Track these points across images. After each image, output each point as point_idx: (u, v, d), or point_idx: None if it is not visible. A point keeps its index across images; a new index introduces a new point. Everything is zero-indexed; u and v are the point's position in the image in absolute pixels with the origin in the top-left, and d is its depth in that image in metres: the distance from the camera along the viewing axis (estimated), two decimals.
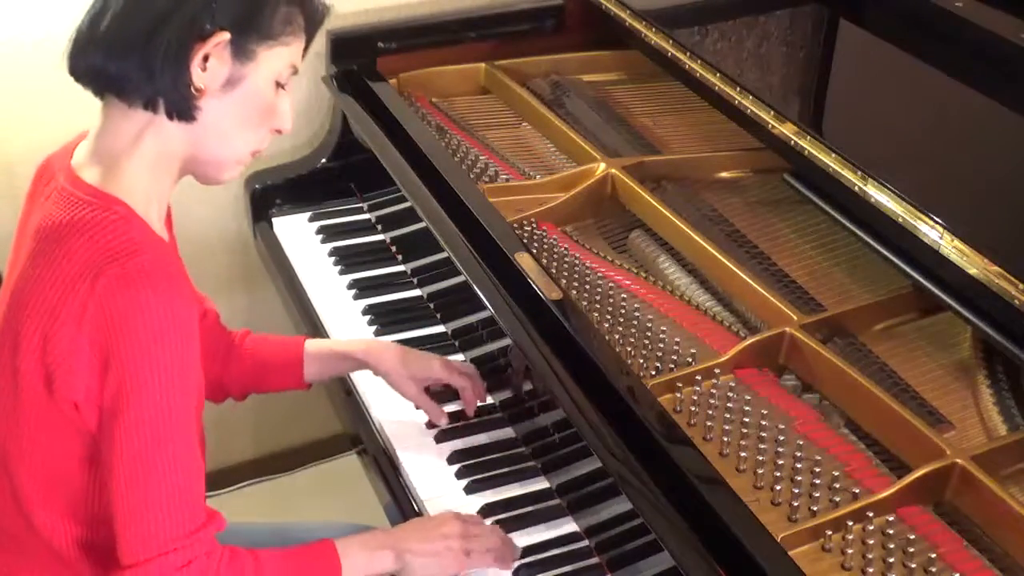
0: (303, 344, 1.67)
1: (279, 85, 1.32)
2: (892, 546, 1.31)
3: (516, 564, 1.48)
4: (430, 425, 1.69)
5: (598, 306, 1.66)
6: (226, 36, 1.23)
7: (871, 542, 1.31)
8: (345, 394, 1.80)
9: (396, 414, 1.71)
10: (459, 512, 1.51)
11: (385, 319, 1.90)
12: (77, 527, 1.34)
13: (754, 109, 1.73)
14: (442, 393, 1.71)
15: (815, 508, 1.35)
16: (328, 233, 2.10)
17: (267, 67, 1.28)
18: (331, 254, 2.06)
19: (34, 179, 1.39)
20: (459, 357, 1.82)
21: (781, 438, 1.43)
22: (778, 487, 1.37)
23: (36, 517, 1.33)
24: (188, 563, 1.26)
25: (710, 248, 1.70)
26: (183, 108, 1.26)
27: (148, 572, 1.24)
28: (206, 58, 1.24)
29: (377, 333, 1.87)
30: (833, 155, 1.59)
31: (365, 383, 1.78)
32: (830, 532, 1.31)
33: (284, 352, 1.67)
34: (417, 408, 1.69)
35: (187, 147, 1.31)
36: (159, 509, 1.24)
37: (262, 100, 1.30)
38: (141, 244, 1.24)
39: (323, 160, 2.21)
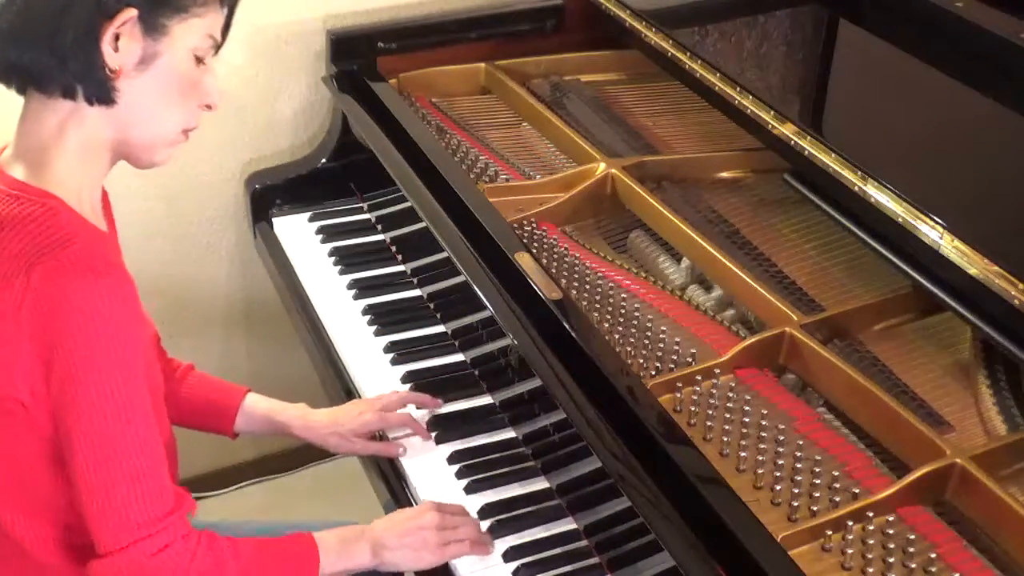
0: (243, 395, 1.67)
1: (199, 59, 1.29)
2: (892, 546, 1.31)
3: (516, 564, 1.48)
4: (430, 425, 1.69)
5: (598, 306, 1.66)
6: (133, 13, 1.21)
7: (871, 542, 1.31)
8: (345, 395, 1.80)
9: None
10: (439, 502, 1.52)
11: (385, 319, 1.90)
12: (51, 528, 1.33)
13: (754, 109, 1.73)
14: (439, 390, 1.72)
15: (815, 508, 1.35)
16: (328, 233, 2.10)
17: (182, 41, 1.26)
18: (331, 254, 2.06)
19: None
20: (459, 357, 1.82)
21: (781, 438, 1.43)
22: (778, 487, 1.37)
23: (8, 521, 1.32)
24: (164, 547, 1.26)
25: (710, 248, 1.70)
26: (101, 92, 1.24)
27: (125, 559, 1.25)
28: (117, 37, 1.21)
29: (377, 333, 1.87)
30: (833, 155, 1.59)
31: (365, 383, 1.78)
32: (830, 532, 1.31)
33: (222, 398, 1.67)
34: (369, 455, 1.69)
35: (113, 132, 1.29)
36: (126, 494, 1.24)
37: (182, 76, 1.28)
38: (73, 234, 1.22)
39: (323, 160, 2.21)
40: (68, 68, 1.22)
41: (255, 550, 1.36)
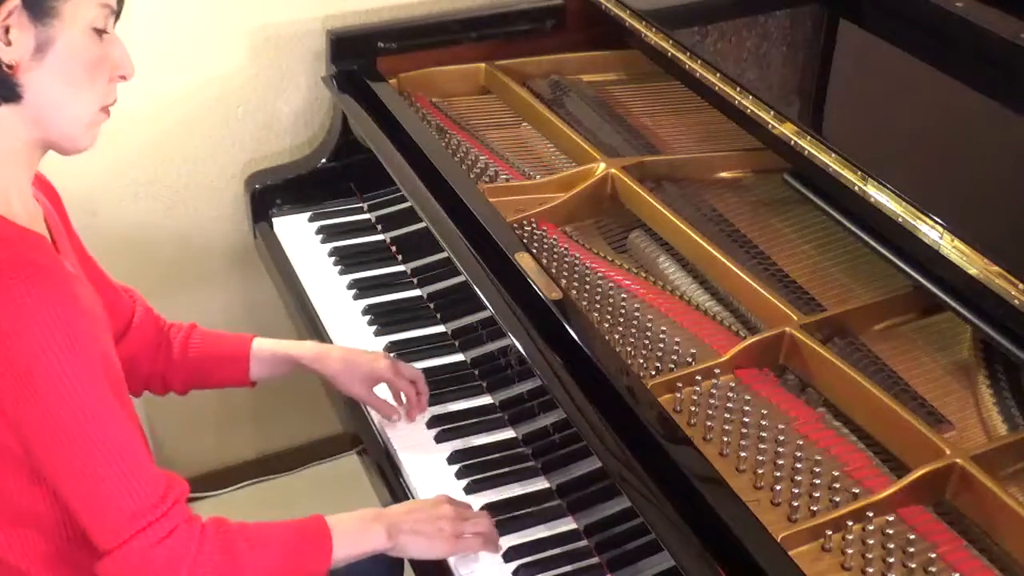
0: (251, 342, 1.66)
1: (99, 32, 1.24)
2: (892, 546, 1.31)
3: (516, 564, 1.48)
4: (430, 425, 1.69)
5: (598, 306, 1.66)
6: (16, 2, 1.17)
7: (871, 542, 1.31)
8: (346, 395, 1.80)
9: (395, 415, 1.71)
10: (451, 496, 1.52)
11: (385, 319, 1.90)
12: (44, 544, 1.32)
13: (754, 109, 1.73)
14: (439, 390, 1.72)
15: (815, 508, 1.35)
16: (328, 233, 2.10)
17: (76, 18, 1.21)
18: (331, 254, 2.06)
19: None
20: (459, 357, 1.82)
21: (781, 438, 1.43)
22: (778, 487, 1.37)
23: (1, 544, 1.31)
24: (169, 533, 1.25)
25: (710, 248, 1.70)
26: (3, 90, 1.21)
27: (130, 552, 1.23)
28: (6, 31, 1.18)
29: (377, 333, 1.87)
30: (833, 155, 1.59)
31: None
32: (830, 532, 1.31)
33: (231, 348, 1.66)
34: (367, 406, 1.70)
35: (28, 128, 1.25)
36: (113, 489, 1.22)
37: (85, 55, 1.23)
38: None
39: (323, 160, 2.21)
40: None
41: (265, 533, 1.34)
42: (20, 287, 1.17)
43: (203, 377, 1.66)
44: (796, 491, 1.36)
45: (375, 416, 1.72)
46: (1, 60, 1.19)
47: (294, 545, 1.36)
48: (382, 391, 1.71)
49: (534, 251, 1.69)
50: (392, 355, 1.75)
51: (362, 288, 1.97)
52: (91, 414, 1.21)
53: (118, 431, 1.24)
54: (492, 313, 1.63)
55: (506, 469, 1.62)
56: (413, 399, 1.69)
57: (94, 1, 1.23)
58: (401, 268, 2.02)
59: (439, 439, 1.68)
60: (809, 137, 1.63)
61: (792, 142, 1.65)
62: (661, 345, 1.58)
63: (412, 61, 2.17)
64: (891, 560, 1.30)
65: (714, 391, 1.50)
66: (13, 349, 1.17)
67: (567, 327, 1.52)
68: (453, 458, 1.64)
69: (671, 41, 1.92)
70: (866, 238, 1.59)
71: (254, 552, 1.31)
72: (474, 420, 1.70)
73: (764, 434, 1.44)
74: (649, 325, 1.62)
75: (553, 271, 1.71)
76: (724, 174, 1.94)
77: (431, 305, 1.93)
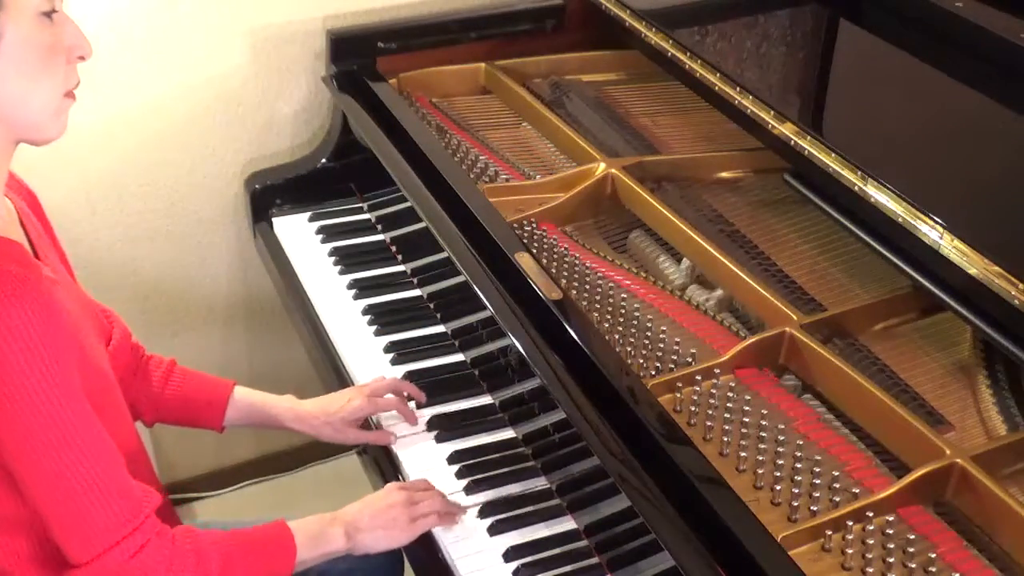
0: (231, 388, 1.66)
1: (47, 15, 1.20)
2: (892, 546, 1.31)
3: (516, 564, 1.48)
4: (430, 425, 1.69)
5: (598, 306, 1.66)
6: None
7: (871, 542, 1.31)
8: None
9: (396, 414, 1.71)
10: (402, 482, 1.54)
11: (385, 319, 1.90)
12: (25, 545, 1.32)
13: (754, 109, 1.73)
14: (439, 390, 1.72)
15: (815, 508, 1.35)
16: (328, 233, 2.10)
17: (19, 7, 1.17)
18: (331, 254, 2.06)
19: None
20: (459, 357, 1.82)
21: (781, 438, 1.43)
22: (778, 487, 1.37)
23: None
24: (140, 548, 1.25)
25: (710, 248, 1.70)
26: None
27: (102, 567, 1.23)
28: None
29: (377, 333, 1.87)
30: (833, 155, 1.59)
31: (365, 383, 1.78)
32: (830, 532, 1.31)
33: (209, 393, 1.65)
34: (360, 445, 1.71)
35: None
36: (88, 503, 1.22)
37: (37, 42, 1.20)
38: None
39: (323, 160, 2.21)
40: None
41: (234, 542, 1.36)
42: (3, 296, 1.15)
43: (175, 415, 1.65)
44: (796, 491, 1.36)
45: (374, 416, 1.72)
46: None
47: (260, 550, 1.39)
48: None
49: (534, 251, 1.69)
50: (362, 384, 1.72)
51: (362, 288, 1.97)
52: (67, 429, 1.21)
53: (94, 446, 1.23)
54: (492, 313, 1.63)
55: (506, 469, 1.62)
56: (404, 411, 1.69)
57: None
58: (401, 268, 2.02)
59: (439, 439, 1.68)
60: (809, 137, 1.63)
61: (792, 142, 1.65)
62: (661, 345, 1.58)
63: (412, 61, 2.17)
64: (891, 560, 1.30)
65: (714, 391, 1.50)
66: None
67: (567, 327, 1.52)
68: (453, 458, 1.64)
69: (671, 41, 1.92)
70: (866, 238, 1.59)
71: (222, 559, 1.33)
72: (474, 420, 1.70)
73: (764, 434, 1.44)
74: (649, 325, 1.62)
75: (553, 271, 1.71)
76: (724, 174, 1.94)
77: (431, 305, 1.93)
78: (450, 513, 1.52)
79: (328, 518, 1.46)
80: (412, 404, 1.72)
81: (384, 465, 1.68)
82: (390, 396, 1.70)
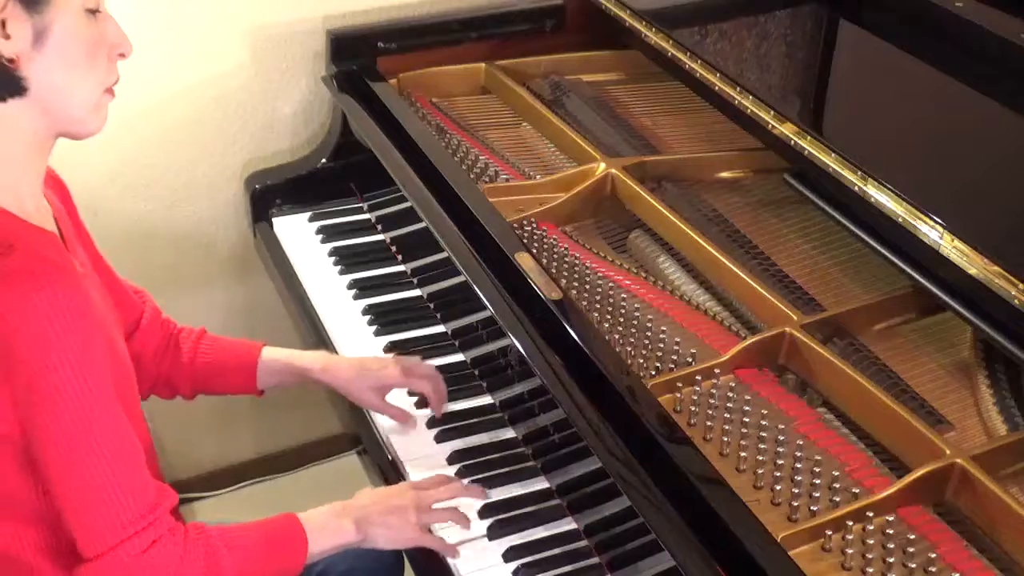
0: (260, 350, 1.66)
1: (92, 12, 1.24)
2: (892, 546, 1.31)
3: (516, 564, 1.48)
4: (430, 425, 1.69)
5: (598, 306, 1.66)
6: None
7: (871, 542, 1.31)
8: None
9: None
10: (416, 481, 1.54)
11: (385, 319, 1.90)
12: (35, 532, 1.32)
13: (754, 109, 1.73)
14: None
15: (815, 508, 1.35)
16: (328, 233, 2.10)
17: (68, 3, 1.21)
18: (331, 254, 2.06)
19: None
20: (459, 357, 1.82)
21: (781, 438, 1.43)
22: (778, 487, 1.37)
23: None
24: (152, 543, 1.25)
25: (710, 248, 1.70)
26: (9, 85, 1.21)
27: (113, 561, 1.23)
28: (3, 25, 1.18)
29: (377, 333, 1.87)
30: (833, 155, 1.59)
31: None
32: (830, 532, 1.31)
33: (240, 356, 1.66)
34: (382, 415, 1.69)
35: (36, 119, 1.25)
36: (105, 496, 1.23)
37: (83, 37, 1.23)
38: (13, 240, 1.20)
39: (323, 160, 2.21)
40: None
41: (246, 539, 1.35)
42: (35, 287, 1.17)
43: (211, 383, 1.66)
44: (796, 491, 1.36)
45: (375, 417, 1.72)
46: (2, 54, 1.19)
47: (271, 544, 1.38)
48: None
49: (534, 251, 1.69)
50: (402, 355, 1.73)
51: (362, 288, 1.97)
52: (93, 421, 1.22)
53: (117, 440, 1.24)
54: (492, 313, 1.63)
55: (506, 469, 1.62)
56: (432, 397, 1.68)
57: None
58: (401, 268, 2.02)
59: (439, 439, 1.68)
60: (809, 137, 1.63)
61: (792, 142, 1.65)
62: (661, 345, 1.58)
63: (412, 61, 2.17)
64: (891, 560, 1.30)
65: (714, 391, 1.50)
66: (29, 350, 1.17)
67: (567, 327, 1.52)
68: (453, 458, 1.64)
69: (671, 41, 1.92)
70: (866, 238, 1.59)
71: (234, 555, 1.33)
72: (474, 420, 1.70)
73: (764, 434, 1.44)
74: (649, 325, 1.62)
75: (553, 271, 1.71)
76: (724, 174, 1.94)
77: (431, 305, 1.93)
78: (461, 521, 1.51)
79: (339, 509, 1.46)
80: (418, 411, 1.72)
81: (384, 465, 1.68)
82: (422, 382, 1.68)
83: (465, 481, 1.57)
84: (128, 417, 1.30)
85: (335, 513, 1.45)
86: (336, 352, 1.86)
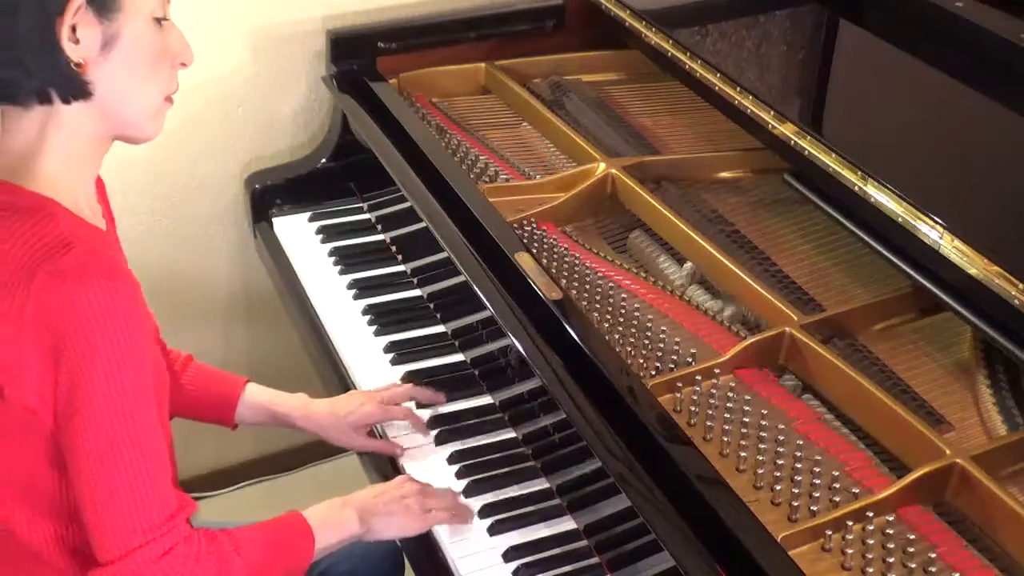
0: (242, 386, 1.66)
1: (159, 21, 1.26)
2: (892, 546, 1.31)
3: (516, 564, 1.48)
4: (430, 425, 1.69)
5: (598, 306, 1.66)
6: (81, 1, 1.18)
7: (871, 542, 1.31)
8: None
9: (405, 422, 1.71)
10: (411, 476, 1.55)
11: (385, 319, 1.90)
12: (57, 527, 1.32)
13: (754, 109, 1.73)
14: (439, 390, 1.72)
15: (815, 508, 1.35)
16: (328, 233, 2.10)
17: (137, 10, 1.23)
18: (331, 254, 2.06)
19: None
20: (459, 357, 1.82)
21: (781, 438, 1.43)
22: (778, 487, 1.37)
23: (13, 521, 1.31)
24: (167, 551, 1.25)
25: (710, 248, 1.70)
26: (75, 89, 1.22)
27: (128, 567, 1.24)
28: (73, 29, 1.19)
29: (377, 333, 1.87)
30: (833, 155, 1.59)
31: (366, 383, 1.78)
32: (830, 532, 1.31)
33: (221, 389, 1.66)
34: (365, 452, 1.69)
35: (97, 123, 1.26)
36: (129, 501, 1.23)
37: (149, 45, 1.25)
38: (72, 238, 1.21)
39: (323, 160, 2.21)
40: (34, 75, 1.20)
41: (254, 541, 1.35)
42: (91, 285, 1.18)
43: (187, 409, 1.66)
44: (796, 491, 1.36)
45: (380, 425, 1.71)
46: (70, 59, 1.20)
47: (280, 544, 1.38)
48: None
49: (534, 251, 1.69)
50: (374, 388, 1.72)
51: (362, 288, 1.97)
52: (130, 424, 1.22)
53: (150, 445, 1.25)
54: (492, 313, 1.63)
55: (506, 469, 1.62)
56: (416, 422, 1.68)
57: None
58: (401, 268, 2.02)
59: (439, 440, 1.67)
60: (809, 137, 1.63)
61: (792, 142, 1.65)
62: (661, 345, 1.58)
63: (412, 61, 2.17)
64: (891, 560, 1.30)
65: (714, 391, 1.50)
66: (80, 344, 1.18)
67: (567, 327, 1.52)
68: (453, 458, 1.64)
69: (671, 41, 1.92)
70: (866, 238, 1.59)
71: (244, 559, 1.33)
72: (474, 420, 1.70)
73: (764, 434, 1.44)
74: (649, 325, 1.62)
75: (553, 271, 1.71)
76: (724, 174, 1.94)
77: (431, 305, 1.93)
78: (461, 513, 1.52)
79: (339, 503, 1.46)
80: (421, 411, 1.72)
81: (384, 466, 1.68)
82: (404, 404, 1.70)
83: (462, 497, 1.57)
84: (160, 421, 1.31)
85: (338, 507, 1.46)
86: (336, 352, 1.86)
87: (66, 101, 1.23)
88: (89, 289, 1.18)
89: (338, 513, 1.45)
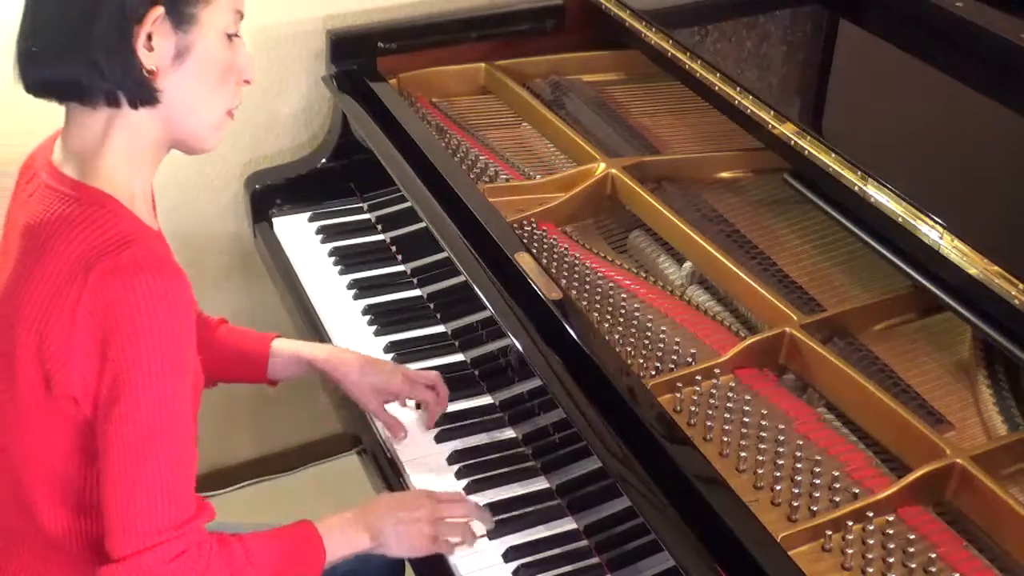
0: (271, 341, 1.68)
1: (230, 37, 1.28)
2: (892, 546, 1.31)
3: (516, 564, 1.48)
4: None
5: (598, 306, 1.66)
6: (160, 10, 1.20)
7: (871, 542, 1.31)
8: (346, 394, 1.79)
9: (396, 414, 1.71)
10: (433, 492, 1.54)
11: (385, 319, 1.90)
12: (79, 520, 1.33)
13: (754, 109, 1.73)
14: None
15: (815, 508, 1.35)
16: (328, 233, 2.10)
17: (212, 25, 1.25)
18: (331, 254, 2.06)
19: (18, 176, 1.38)
20: (459, 357, 1.82)
21: (781, 438, 1.43)
22: (778, 487, 1.37)
23: (37, 510, 1.32)
24: (180, 554, 1.25)
25: (710, 248, 1.70)
26: (144, 94, 1.24)
27: (139, 565, 1.24)
28: (149, 37, 1.21)
29: (377, 333, 1.87)
30: (833, 155, 1.59)
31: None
32: (830, 532, 1.31)
33: (252, 345, 1.68)
34: (376, 418, 1.69)
35: (160, 129, 1.29)
36: (151, 500, 1.23)
37: (219, 59, 1.27)
38: (132, 236, 1.23)
39: (323, 160, 2.21)
40: (107, 78, 1.22)
41: (267, 550, 1.36)
42: (146, 283, 1.19)
43: (226, 371, 1.67)
44: (796, 491, 1.36)
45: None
46: (143, 65, 1.22)
47: (291, 555, 1.38)
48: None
49: (534, 251, 1.69)
50: (406, 366, 1.73)
51: (362, 288, 1.97)
52: (167, 423, 1.23)
53: (182, 446, 1.25)
54: (492, 313, 1.63)
55: (506, 469, 1.62)
56: (432, 408, 1.68)
57: (229, 7, 1.27)
58: (401, 268, 2.02)
59: (439, 439, 1.67)
60: (809, 137, 1.63)
61: (792, 142, 1.65)
62: (661, 345, 1.58)
63: (412, 61, 2.17)
64: (891, 560, 1.30)
65: (714, 391, 1.50)
66: (130, 336, 1.19)
67: (567, 327, 1.52)
68: (453, 458, 1.64)
69: (671, 41, 1.92)
70: (866, 238, 1.59)
71: (256, 568, 1.33)
72: (474, 420, 1.70)
73: (764, 434, 1.44)
74: (649, 325, 1.62)
75: (553, 271, 1.71)
76: (724, 174, 1.94)
77: (431, 305, 1.93)
78: (470, 536, 1.50)
79: (352, 520, 1.46)
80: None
81: (384, 465, 1.68)
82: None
83: (478, 501, 1.56)
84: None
85: (351, 521, 1.45)
86: None
87: (133, 106, 1.25)
88: (144, 284, 1.19)
89: (351, 528, 1.45)
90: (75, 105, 1.27)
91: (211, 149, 1.36)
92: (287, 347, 1.68)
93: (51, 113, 1.31)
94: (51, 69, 1.23)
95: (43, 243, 1.24)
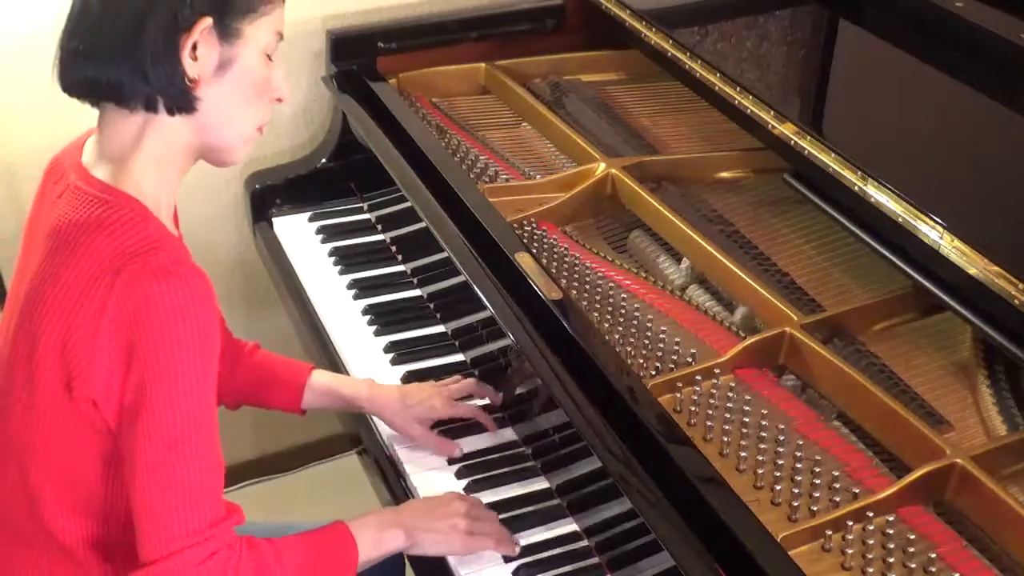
0: (309, 372, 1.67)
1: (269, 56, 1.31)
2: (892, 546, 1.31)
3: (516, 564, 1.48)
4: (431, 425, 1.69)
5: (598, 306, 1.66)
6: (209, 21, 1.22)
7: (871, 542, 1.31)
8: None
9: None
10: (462, 494, 1.54)
11: (385, 319, 1.90)
12: (90, 525, 1.33)
13: (754, 109, 1.73)
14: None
15: (815, 508, 1.35)
16: (328, 233, 2.10)
17: (255, 41, 1.28)
18: (331, 254, 2.06)
19: (44, 177, 1.39)
20: (459, 357, 1.82)
21: (781, 438, 1.43)
22: (778, 487, 1.37)
23: (49, 515, 1.32)
24: (210, 556, 1.25)
25: (710, 248, 1.70)
26: (183, 102, 1.26)
27: (170, 568, 1.24)
28: (194, 47, 1.23)
29: (377, 333, 1.87)
30: (833, 155, 1.59)
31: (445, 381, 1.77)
32: (830, 532, 1.31)
33: (290, 373, 1.67)
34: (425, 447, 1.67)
35: (192, 137, 1.31)
36: (181, 504, 1.23)
37: (257, 75, 1.30)
38: (159, 241, 1.24)
39: (323, 160, 2.22)
40: (150, 83, 1.24)
41: (295, 550, 1.35)
42: (173, 286, 1.20)
43: (257, 395, 1.67)
44: (796, 491, 1.36)
45: (375, 416, 1.71)
46: (186, 74, 1.24)
47: (322, 556, 1.38)
48: None
49: (534, 251, 1.69)
50: (442, 383, 1.71)
51: (362, 288, 1.97)
52: (194, 428, 1.23)
53: (209, 450, 1.26)
54: (492, 313, 1.63)
55: (506, 469, 1.62)
56: (486, 421, 1.67)
57: (271, 27, 1.30)
58: (401, 268, 2.02)
59: None
60: (809, 137, 1.63)
61: (792, 142, 1.65)
62: (661, 345, 1.58)
63: (412, 61, 2.17)
64: (891, 560, 1.30)
65: (714, 391, 1.50)
66: (157, 341, 1.20)
67: (567, 327, 1.52)
68: (453, 458, 1.64)
69: (671, 41, 1.92)
70: (866, 238, 1.59)
71: (283, 567, 1.33)
72: (474, 420, 1.70)
73: (764, 434, 1.44)
74: (649, 325, 1.62)
75: (553, 271, 1.71)
76: (724, 174, 1.94)
77: (431, 305, 1.93)
78: (506, 541, 1.49)
79: (388, 519, 1.45)
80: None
81: (384, 465, 1.68)
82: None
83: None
84: None
85: (385, 522, 1.45)
86: (336, 352, 1.86)
87: (171, 112, 1.27)
88: (172, 288, 1.20)
89: (385, 527, 1.44)
90: (111, 108, 1.28)
91: (237, 162, 1.39)
92: (325, 380, 1.68)
93: (51, 117, 1.31)
94: (96, 69, 1.25)
95: (71, 244, 1.25)
